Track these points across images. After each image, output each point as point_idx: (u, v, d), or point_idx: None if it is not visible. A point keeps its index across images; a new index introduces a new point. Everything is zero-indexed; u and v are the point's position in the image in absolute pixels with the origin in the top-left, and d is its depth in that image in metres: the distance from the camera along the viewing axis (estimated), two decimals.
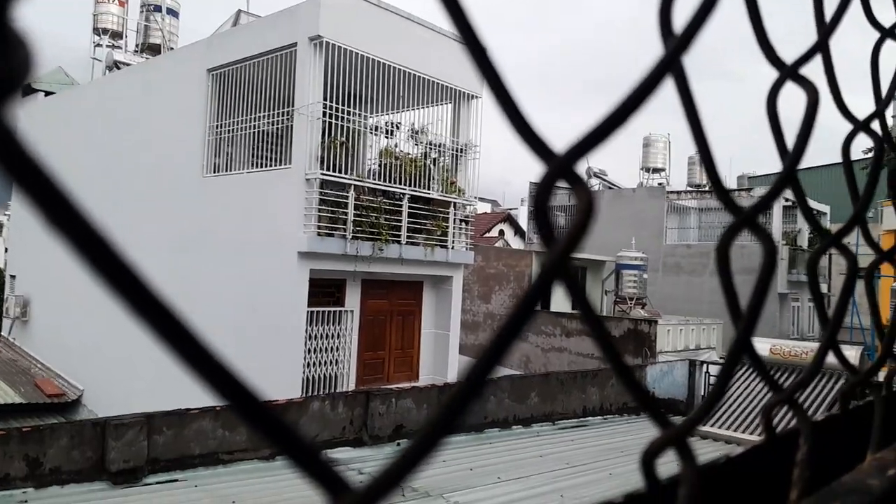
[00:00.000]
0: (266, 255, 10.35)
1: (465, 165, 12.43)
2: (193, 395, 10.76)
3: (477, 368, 0.29)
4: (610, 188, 30.17)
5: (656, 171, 32.35)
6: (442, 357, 12.24)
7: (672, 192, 25.08)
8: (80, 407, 13.46)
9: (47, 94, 16.99)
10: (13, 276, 17.59)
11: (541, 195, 0.35)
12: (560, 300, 19.52)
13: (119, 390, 12.70)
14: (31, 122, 17.16)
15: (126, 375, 12.65)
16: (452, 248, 11.97)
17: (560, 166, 0.35)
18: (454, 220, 11.97)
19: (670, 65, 0.40)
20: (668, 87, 0.43)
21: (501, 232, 34.22)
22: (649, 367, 10.46)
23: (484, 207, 37.68)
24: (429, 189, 11.69)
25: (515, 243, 31.58)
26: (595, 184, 31.39)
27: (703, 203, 23.76)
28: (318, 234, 9.96)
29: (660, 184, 29.91)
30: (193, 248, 11.64)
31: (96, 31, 18.45)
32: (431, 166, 11.98)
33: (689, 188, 28.07)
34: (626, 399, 9.70)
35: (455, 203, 11.97)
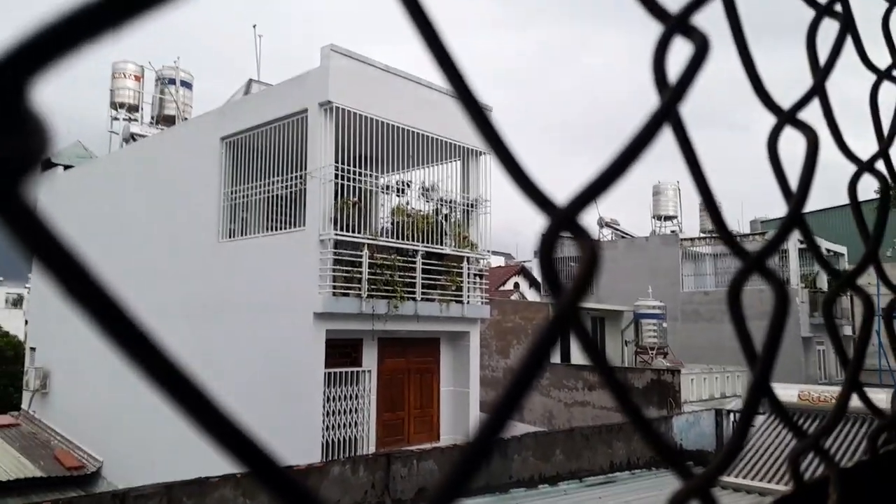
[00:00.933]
0: (282, 318, 10.36)
1: (476, 220, 12.51)
2: (214, 463, 10.58)
3: (488, 425, 0.29)
4: (623, 237, 30.13)
5: (668, 218, 32.35)
6: (462, 415, 12.04)
7: (685, 238, 24.99)
8: (100, 479, 13.31)
9: (66, 167, 17.43)
10: (33, 349, 17.68)
11: (545, 247, 0.36)
12: (581, 352, 19.28)
13: (139, 461, 12.56)
14: (51, 195, 17.57)
15: (145, 446, 12.54)
16: (468, 302, 11.94)
17: (563, 218, 0.36)
18: (468, 274, 11.98)
19: (667, 115, 0.41)
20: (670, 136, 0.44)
21: (517, 285, 34.11)
22: (675, 419, 10.21)
23: (497, 261, 37.73)
24: (442, 245, 11.75)
25: (531, 295, 31.44)
26: (607, 234, 31.37)
27: (718, 249, 23.63)
28: (334, 294, 9.98)
29: (672, 231, 29.85)
30: (210, 312, 11.69)
31: (113, 105, 19.06)
32: (443, 222, 12.07)
33: (702, 234, 27.98)
34: (653, 452, 9.44)
35: (468, 258, 12.00)
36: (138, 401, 13.05)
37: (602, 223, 31.67)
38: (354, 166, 10.62)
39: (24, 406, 17.15)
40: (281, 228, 11.36)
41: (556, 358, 18.57)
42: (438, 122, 11.38)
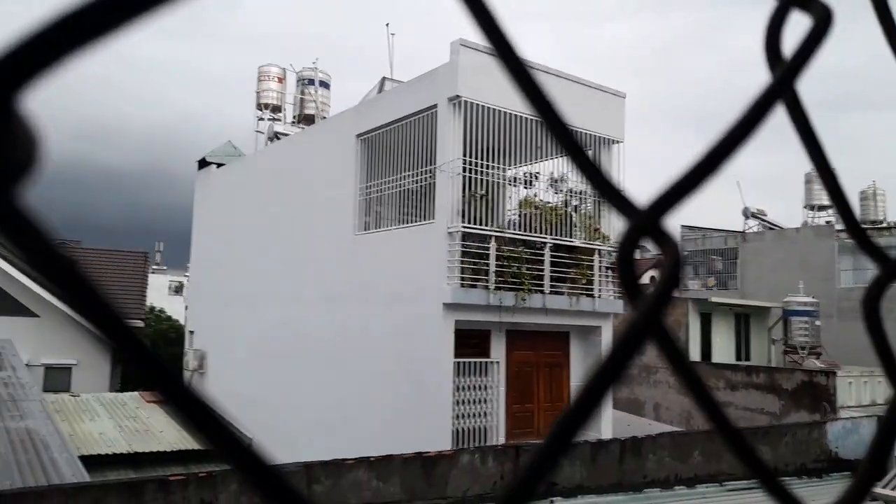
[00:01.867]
0: (413, 307, 10.63)
1: (608, 211, 12.14)
2: (347, 444, 11.07)
3: (559, 431, 0.25)
4: (770, 228, 28.09)
5: (822, 208, 29.68)
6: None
7: (843, 230, 22.84)
8: None
9: (218, 165, 18.89)
10: (192, 332, 19.39)
11: (623, 254, 0.31)
12: (722, 350, 18.21)
13: (282, 439, 13.43)
14: (206, 191, 19.13)
15: (287, 424, 13.38)
16: (599, 296, 11.63)
17: (643, 223, 0.31)
18: (600, 267, 11.66)
19: (779, 93, 0.35)
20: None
21: (653, 279, 32.80)
22: (830, 425, 9.38)
23: None
24: (571, 237, 11.52)
25: None
26: (753, 224, 29.37)
27: (884, 240, 21.39)
28: (462, 285, 10.09)
29: (827, 222, 27.40)
30: (347, 301, 12.23)
31: (259, 106, 20.40)
32: (573, 214, 11.83)
33: (863, 226, 25.41)
34: (803, 459, 8.73)
35: (599, 250, 11.68)
36: (280, 383, 13.96)
37: (747, 213, 29.71)
38: (482, 159, 10.65)
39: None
40: (412, 221, 11.65)
41: (695, 356, 17.68)
42: (568, 110, 11.11)
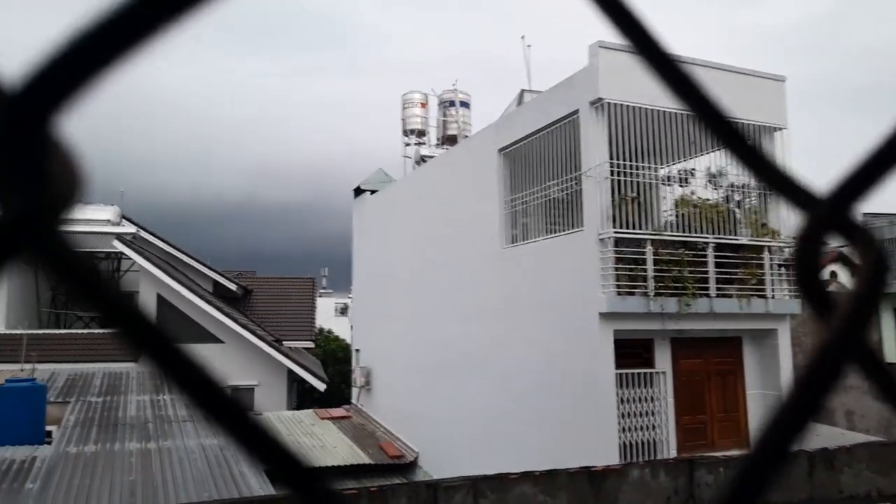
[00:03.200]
0: (567, 318, 10.42)
1: (776, 204, 11.20)
2: (511, 459, 11.04)
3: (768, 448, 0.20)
4: None
5: None
6: None
7: None
8: (417, 468, 14.79)
9: (372, 192, 19.87)
10: (357, 350, 20.42)
11: (803, 253, 0.24)
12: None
13: (447, 453, 13.70)
14: (362, 217, 20.17)
15: (451, 439, 13.62)
16: (773, 297, 10.73)
17: (826, 213, 0.23)
18: (770, 265, 10.77)
19: None
20: None
21: (833, 274, 29.83)
22: None
23: None
24: (736, 234, 10.75)
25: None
26: None
27: None
28: (618, 293, 9.74)
29: None
30: (499, 315, 12.27)
31: (405, 132, 21.22)
32: (736, 210, 11.04)
33: None
34: None
35: (769, 247, 10.79)
36: (441, 398, 14.26)
37: None
38: (630, 160, 10.27)
39: (353, 400, 19.88)
40: (560, 231, 11.47)
41: (891, 357, 15.75)
42: (722, 101, 10.45)
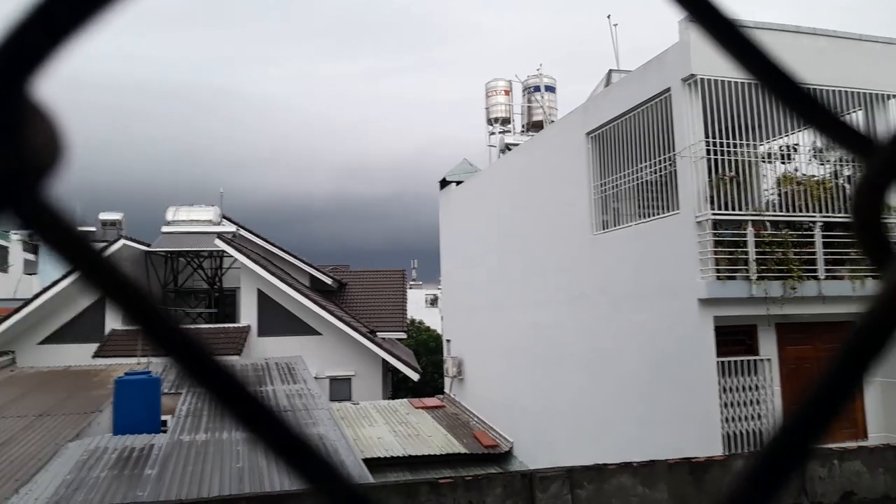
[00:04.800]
0: (663, 305, 10.08)
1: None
2: (607, 450, 10.87)
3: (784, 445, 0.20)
4: None
5: None
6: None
7: None
8: (512, 458, 14.78)
9: (458, 183, 19.91)
10: (448, 341, 20.60)
11: (863, 203, 0.21)
12: None
13: (542, 443, 13.60)
14: (448, 208, 20.27)
15: (546, 429, 13.51)
16: None
17: (890, 159, 0.22)
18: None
19: None
20: None
21: None
22: None
23: None
24: (846, 213, 10.04)
25: None
26: None
27: None
28: (718, 278, 9.32)
29: None
30: (591, 303, 12.02)
31: (489, 121, 21.13)
32: (846, 185, 10.31)
33: None
34: None
35: (887, 223, 10.00)
36: (534, 387, 14.15)
37: None
38: (728, 138, 9.77)
39: (446, 390, 20.09)
40: (653, 214, 11.09)
41: None
42: (828, 69, 9.77)
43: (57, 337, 19.78)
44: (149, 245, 21.94)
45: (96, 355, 18.04)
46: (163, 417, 10.69)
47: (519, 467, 13.54)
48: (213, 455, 8.40)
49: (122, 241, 21.26)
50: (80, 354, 18.14)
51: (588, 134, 12.29)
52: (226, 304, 23.12)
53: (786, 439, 0.20)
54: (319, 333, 20.84)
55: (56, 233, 0.20)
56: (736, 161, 9.80)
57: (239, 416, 0.23)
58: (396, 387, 24.83)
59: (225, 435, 9.44)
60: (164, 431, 10.02)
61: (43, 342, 19.64)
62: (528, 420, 14.29)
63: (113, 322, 20.30)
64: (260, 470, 7.83)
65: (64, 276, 19.96)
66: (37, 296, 19.70)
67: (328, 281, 24.30)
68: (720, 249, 9.41)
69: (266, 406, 0.23)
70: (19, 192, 0.19)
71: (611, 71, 14.30)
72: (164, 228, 22.16)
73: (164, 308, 0.23)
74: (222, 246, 20.91)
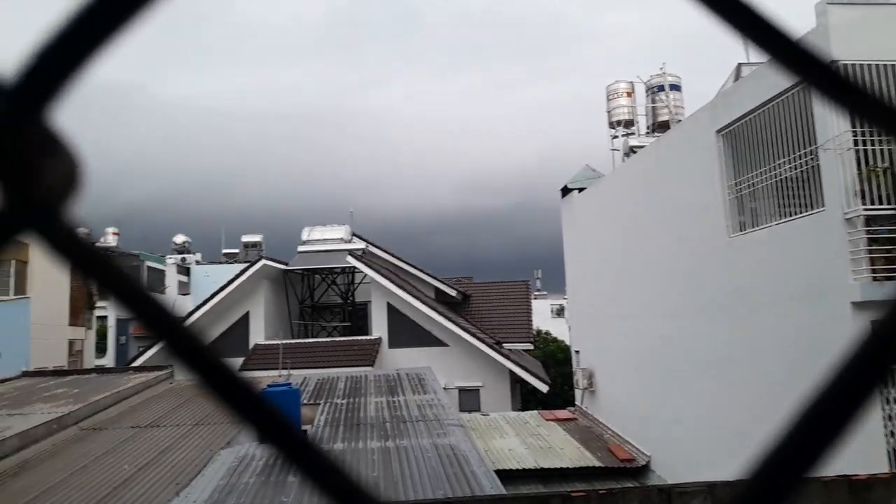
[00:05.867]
0: (811, 311, 9.34)
1: None
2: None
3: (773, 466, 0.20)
4: None
5: None
6: None
7: None
8: (649, 472, 14.21)
9: (580, 190, 19.56)
10: (577, 352, 20.20)
11: None
12: None
13: (682, 457, 12.97)
14: (571, 216, 19.94)
15: (686, 443, 12.88)
16: None
17: None
18: None
19: None
20: None
21: None
22: None
23: None
24: None
25: None
26: None
27: None
28: (875, 279, 8.51)
29: None
30: (728, 310, 11.35)
31: (611, 125, 20.64)
32: None
33: None
34: None
35: None
36: (669, 399, 13.55)
37: None
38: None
39: (577, 402, 19.69)
40: (795, 213, 10.33)
41: None
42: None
43: None
44: (286, 263, 23.34)
45: (242, 368, 19.39)
46: (303, 427, 11.30)
47: (657, 482, 12.98)
48: (350, 463, 8.75)
49: (262, 262, 22.78)
50: None
51: (718, 132, 11.68)
52: (358, 318, 24.10)
53: (775, 464, 0.20)
54: (446, 345, 21.18)
55: (73, 250, 0.23)
56: (890, 151, 8.93)
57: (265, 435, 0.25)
58: (526, 399, 24.66)
59: (360, 444, 9.81)
60: None
61: None
62: (667, 433, 13.69)
63: (256, 337, 21.76)
64: (394, 479, 8.06)
65: (212, 297, 21.69)
66: (189, 314, 21.52)
67: (452, 293, 24.68)
68: (876, 248, 8.59)
69: (269, 407, 0.26)
70: (41, 215, 0.22)
71: (740, 64, 13.55)
72: (300, 248, 23.53)
73: (175, 313, 0.26)
74: (353, 262, 21.86)
